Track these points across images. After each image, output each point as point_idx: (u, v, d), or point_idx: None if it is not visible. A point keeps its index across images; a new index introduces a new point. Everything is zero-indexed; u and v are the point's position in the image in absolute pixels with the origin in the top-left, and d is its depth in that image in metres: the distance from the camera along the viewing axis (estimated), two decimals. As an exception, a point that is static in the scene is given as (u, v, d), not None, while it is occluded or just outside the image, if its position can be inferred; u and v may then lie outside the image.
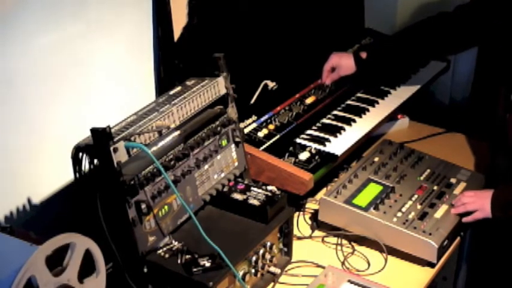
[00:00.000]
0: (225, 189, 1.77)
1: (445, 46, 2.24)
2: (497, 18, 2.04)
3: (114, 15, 1.82)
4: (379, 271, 1.81)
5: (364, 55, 2.27)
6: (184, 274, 1.51)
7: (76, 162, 1.52)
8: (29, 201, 1.70)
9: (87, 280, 1.37)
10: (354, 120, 2.19)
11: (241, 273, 1.62)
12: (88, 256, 1.37)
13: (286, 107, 2.18)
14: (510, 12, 2.00)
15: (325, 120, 2.19)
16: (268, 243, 1.70)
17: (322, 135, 2.09)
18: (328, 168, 1.97)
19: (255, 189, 1.76)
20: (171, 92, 1.74)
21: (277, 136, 2.04)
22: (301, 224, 2.00)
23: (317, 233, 1.97)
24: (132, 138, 1.52)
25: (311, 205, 2.07)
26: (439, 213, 1.92)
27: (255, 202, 1.71)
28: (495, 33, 2.09)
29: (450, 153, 2.27)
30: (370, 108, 2.27)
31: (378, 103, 2.31)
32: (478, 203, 1.89)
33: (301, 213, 2.04)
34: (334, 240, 1.93)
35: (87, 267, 1.38)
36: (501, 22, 2.02)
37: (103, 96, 1.85)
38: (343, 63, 2.28)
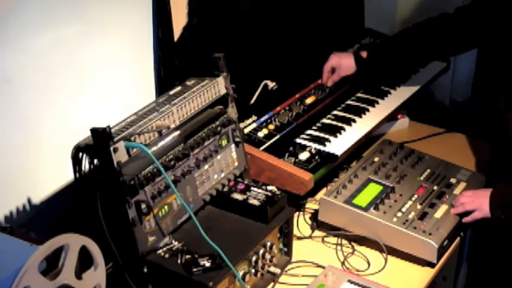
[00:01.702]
0: (225, 189, 1.77)
1: (446, 47, 2.24)
2: (498, 20, 2.03)
3: (113, 15, 1.82)
4: (379, 271, 1.81)
5: (364, 54, 2.27)
6: (184, 274, 1.51)
7: (76, 162, 1.52)
8: (29, 201, 1.70)
9: (85, 274, 1.37)
10: (354, 120, 2.19)
11: (241, 273, 1.62)
12: (85, 252, 1.37)
13: (286, 107, 2.18)
14: (510, 14, 1.99)
15: (325, 120, 2.19)
16: (268, 243, 1.70)
17: (322, 135, 2.09)
18: (328, 168, 1.97)
19: (255, 189, 1.76)
20: (171, 92, 1.74)
21: (277, 136, 2.04)
22: (301, 224, 2.00)
23: (317, 233, 1.97)
24: (132, 138, 1.52)
25: (311, 205, 2.07)
26: (439, 213, 1.92)
27: (255, 202, 1.71)
28: (495, 35, 2.09)
29: (450, 153, 2.27)
30: (370, 108, 2.27)
31: (377, 103, 2.31)
32: (476, 203, 1.89)
33: (301, 213, 2.04)
34: (334, 240, 1.93)
35: (85, 263, 1.38)
36: (501, 24, 2.02)
37: (103, 96, 1.85)
38: (343, 63, 2.28)
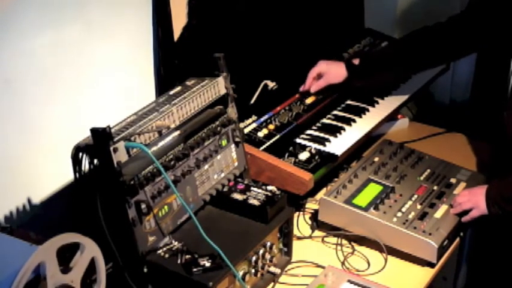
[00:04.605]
0: (225, 189, 1.77)
1: (441, 56, 2.21)
2: (491, 27, 2.03)
3: (114, 15, 1.82)
4: (379, 271, 1.81)
5: (356, 61, 2.22)
6: (184, 274, 1.51)
7: (76, 162, 1.52)
8: (29, 201, 1.70)
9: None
10: (354, 120, 2.19)
11: (241, 273, 1.62)
12: (91, 264, 1.38)
13: (286, 107, 2.18)
14: (504, 21, 1.98)
15: (325, 120, 2.19)
16: (268, 243, 1.70)
17: (322, 135, 2.09)
18: (328, 168, 1.97)
19: (255, 189, 1.76)
20: (171, 92, 1.74)
21: (277, 136, 2.04)
22: (301, 224, 2.00)
23: (317, 233, 1.97)
24: (132, 138, 1.52)
25: (311, 205, 2.07)
26: (439, 213, 1.92)
27: (255, 202, 1.71)
28: (490, 41, 2.08)
29: (450, 153, 2.27)
30: (370, 108, 2.27)
31: (378, 103, 2.31)
32: (473, 201, 1.90)
33: (301, 213, 2.04)
34: (334, 240, 1.93)
35: (88, 273, 1.38)
36: (495, 30, 2.02)
37: (103, 96, 1.85)
38: (332, 70, 2.22)
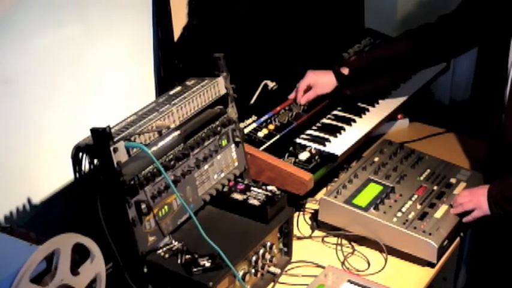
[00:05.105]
0: (225, 189, 1.77)
1: (430, 59, 2.21)
2: (486, 22, 2.02)
3: (114, 15, 1.82)
4: (379, 271, 1.81)
5: (345, 71, 2.20)
6: (184, 274, 1.51)
7: (76, 162, 1.52)
8: (29, 201, 1.70)
9: (82, 268, 1.36)
10: (354, 120, 2.19)
11: (241, 273, 1.62)
12: (80, 246, 1.37)
13: (286, 107, 2.18)
14: (498, 15, 1.98)
15: (325, 120, 2.19)
16: (268, 243, 1.70)
17: (322, 135, 2.09)
18: (328, 168, 1.97)
19: (255, 189, 1.76)
20: (171, 92, 1.74)
21: (277, 136, 2.04)
22: (301, 224, 2.00)
23: (317, 233, 1.97)
24: (132, 138, 1.52)
25: (311, 205, 2.07)
26: (439, 213, 1.92)
27: (255, 202, 1.71)
28: (485, 37, 2.08)
29: (450, 153, 2.28)
30: (370, 108, 2.27)
31: (377, 103, 2.31)
32: (474, 202, 1.90)
33: (301, 213, 2.04)
34: (334, 240, 1.93)
35: (82, 256, 1.38)
36: (490, 25, 2.01)
37: (103, 96, 1.85)
38: (320, 81, 2.21)
